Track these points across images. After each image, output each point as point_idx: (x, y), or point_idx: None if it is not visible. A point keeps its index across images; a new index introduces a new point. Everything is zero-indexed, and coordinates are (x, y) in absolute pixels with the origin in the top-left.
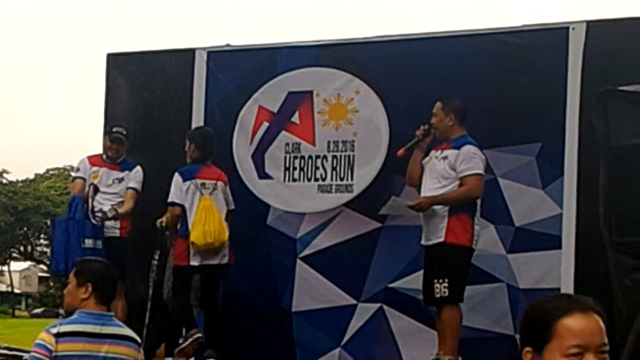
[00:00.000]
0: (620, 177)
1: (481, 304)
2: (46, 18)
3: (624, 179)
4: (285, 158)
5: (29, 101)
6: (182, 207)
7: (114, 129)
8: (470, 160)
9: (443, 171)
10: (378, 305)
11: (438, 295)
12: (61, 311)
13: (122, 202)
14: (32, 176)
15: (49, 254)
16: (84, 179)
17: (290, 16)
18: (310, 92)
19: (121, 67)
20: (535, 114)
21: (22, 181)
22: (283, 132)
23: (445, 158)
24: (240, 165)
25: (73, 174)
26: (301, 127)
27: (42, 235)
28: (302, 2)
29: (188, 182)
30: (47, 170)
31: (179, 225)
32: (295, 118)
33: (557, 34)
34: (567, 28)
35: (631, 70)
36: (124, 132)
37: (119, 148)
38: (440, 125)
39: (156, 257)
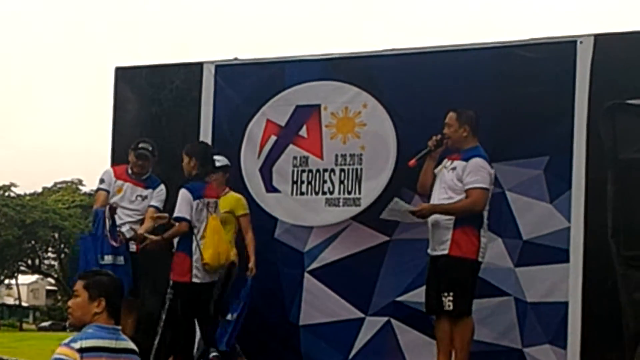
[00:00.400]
0: (628, 191)
1: (488, 317)
2: (54, 28)
3: (632, 192)
4: (293, 172)
5: (37, 112)
6: (190, 223)
7: (140, 145)
8: (476, 173)
9: (451, 182)
10: (386, 319)
11: (445, 309)
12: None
13: (142, 219)
14: (40, 189)
15: (56, 267)
16: (108, 192)
17: (298, 30)
18: (318, 106)
19: (129, 80)
20: (543, 127)
21: (30, 194)
22: (291, 146)
23: (454, 169)
24: (248, 178)
25: (97, 185)
26: (309, 141)
27: (49, 249)
28: (310, 16)
29: (197, 201)
30: (55, 184)
31: (175, 240)
32: (303, 132)
33: (565, 47)
34: (575, 41)
35: (639, 84)
36: (150, 148)
37: (144, 164)
38: (454, 135)
39: None
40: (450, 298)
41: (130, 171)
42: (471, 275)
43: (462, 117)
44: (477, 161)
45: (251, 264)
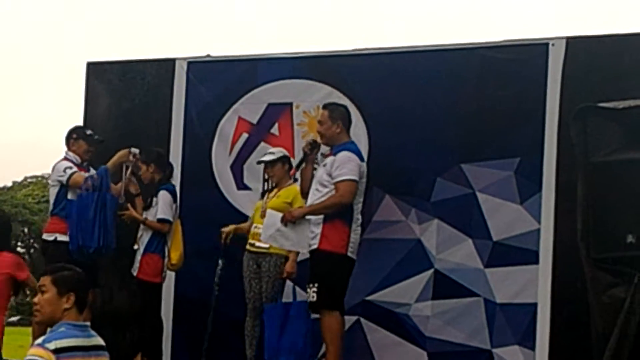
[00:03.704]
0: (598, 193)
1: (457, 317)
2: (26, 22)
3: (602, 195)
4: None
5: (6, 108)
6: (171, 226)
7: (89, 132)
8: (343, 165)
9: (321, 178)
10: (355, 318)
11: (308, 300)
12: None
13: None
14: (9, 184)
15: (27, 261)
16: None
17: (271, 28)
18: (290, 104)
19: (101, 75)
20: (514, 129)
21: (0, 189)
22: (262, 144)
23: (324, 165)
24: (219, 176)
25: (68, 171)
26: (281, 139)
27: (19, 243)
28: (284, 13)
29: (175, 205)
30: (25, 178)
31: (145, 239)
32: (275, 129)
33: (537, 49)
34: (547, 44)
35: (610, 87)
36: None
37: (93, 151)
38: (327, 132)
39: (220, 262)
40: (315, 289)
41: (79, 160)
42: (339, 270)
43: (334, 114)
44: (344, 154)
45: (290, 265)
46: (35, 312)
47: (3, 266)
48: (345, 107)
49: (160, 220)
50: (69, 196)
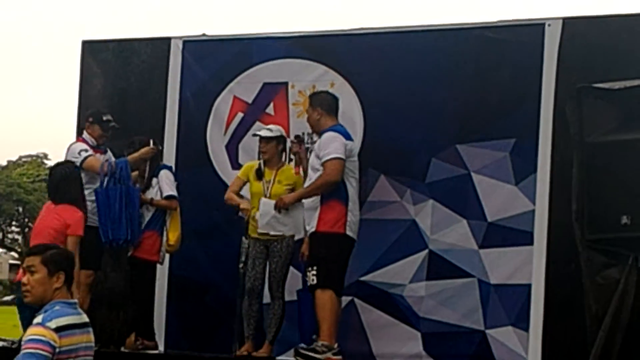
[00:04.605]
0: (593, 174)
1: (451, 298)
2: (20, 1)
3: (597, 176)
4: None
5: (0, 86)
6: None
7: (105, 118)
8: (327, 145)
9: (313, 163)
10: (349, 298)
11: (309, 283)
12: None
13: None
14: (4, 163)
15: (20, 241)
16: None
17: (268, 6)
18: (286, 84)
19: (96, 54)
20: (510, 110)
21: None
22: (258, 123)
23: (313, 151)
24: (213, 155)
25: (83, 154)
26: (276, 118)
27: (13, 223)
28: None
29: (176, 183)
30: (20, 158)
31: (146, 218)
32: (270, 109)
33: (533, 30)
34: (543, 24)
35: (606, 68)
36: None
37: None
38: (309, 121)
39: (246, 241)
40: (314, 272)
41: (95, 142)
42: (338, 249)
43: (313, 100)
44: (327, 134)
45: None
46: (26, 292)
47: (79, 225)
48: (327, 92)
49: (168, 197)
50: (84, 179)
